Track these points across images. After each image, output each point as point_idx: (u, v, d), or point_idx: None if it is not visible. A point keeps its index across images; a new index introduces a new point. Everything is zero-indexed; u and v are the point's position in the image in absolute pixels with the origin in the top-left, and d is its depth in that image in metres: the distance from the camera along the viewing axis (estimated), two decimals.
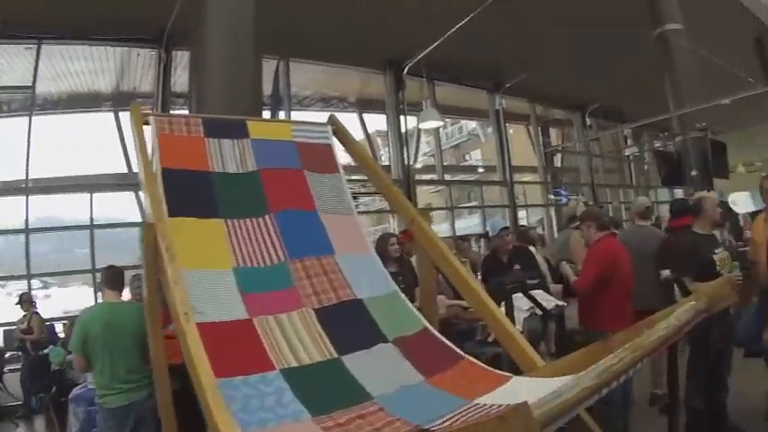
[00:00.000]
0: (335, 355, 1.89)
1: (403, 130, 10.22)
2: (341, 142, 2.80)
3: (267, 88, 9.42)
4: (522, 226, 10.67)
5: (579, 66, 9.98)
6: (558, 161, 13.83)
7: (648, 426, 3.64)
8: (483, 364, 1.98)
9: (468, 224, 12.66)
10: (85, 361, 3.22)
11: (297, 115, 10.64)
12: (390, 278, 2.38)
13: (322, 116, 11.45)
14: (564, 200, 12.48)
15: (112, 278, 3.41)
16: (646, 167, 16.36)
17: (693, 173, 7.78)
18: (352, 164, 2.99)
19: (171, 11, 6.47)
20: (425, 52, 8.76)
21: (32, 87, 7.55)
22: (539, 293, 3.91)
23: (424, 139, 12.39)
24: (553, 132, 14.36)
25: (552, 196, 12.84)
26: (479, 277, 4.80)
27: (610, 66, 9.96)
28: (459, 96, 12.03)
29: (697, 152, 7.83)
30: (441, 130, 14.72)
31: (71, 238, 8.26)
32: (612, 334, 2.07)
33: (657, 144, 14.72)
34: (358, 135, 10.88)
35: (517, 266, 4.52)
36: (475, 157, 16.08)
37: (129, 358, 3.15)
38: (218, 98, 3.40)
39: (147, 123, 2.38)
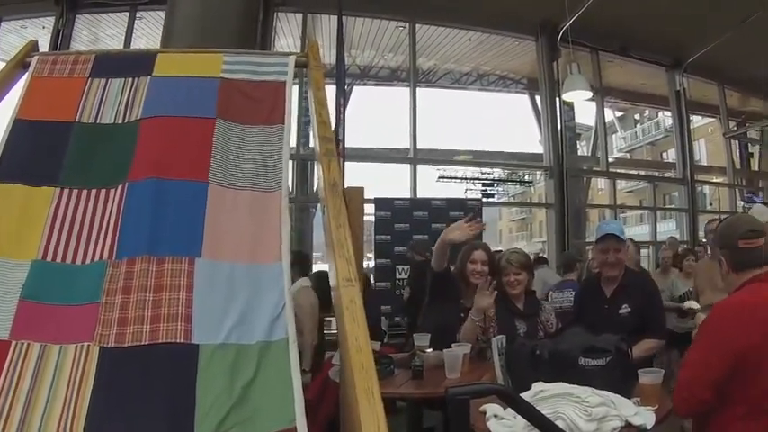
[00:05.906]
0: None
1: (558, 109, 8.82)
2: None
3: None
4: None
5: None
6: (755, 163, 11.18)
7: None
8: None
9: (665, 229, 10.92)
10: None
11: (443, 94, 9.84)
12: (291, 316, 1.40)
13: (482, 96, 10.31)
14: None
15: None
16: None
17: None
18: None
19: None
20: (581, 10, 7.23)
21: None
22: (607, 400, 1.69)
23: (620, 134, 12.53)
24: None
25: (743, 203, 10.40)
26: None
27: None
28: (637, 79, 10.39)
29: None
30: (638, 125, 13.39)
31: None
32: None
33: None
34: (530, 121, 9.54)
35: (625, 307, 2.70)
36: (672, 156, 14.41)
37: None
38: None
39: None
